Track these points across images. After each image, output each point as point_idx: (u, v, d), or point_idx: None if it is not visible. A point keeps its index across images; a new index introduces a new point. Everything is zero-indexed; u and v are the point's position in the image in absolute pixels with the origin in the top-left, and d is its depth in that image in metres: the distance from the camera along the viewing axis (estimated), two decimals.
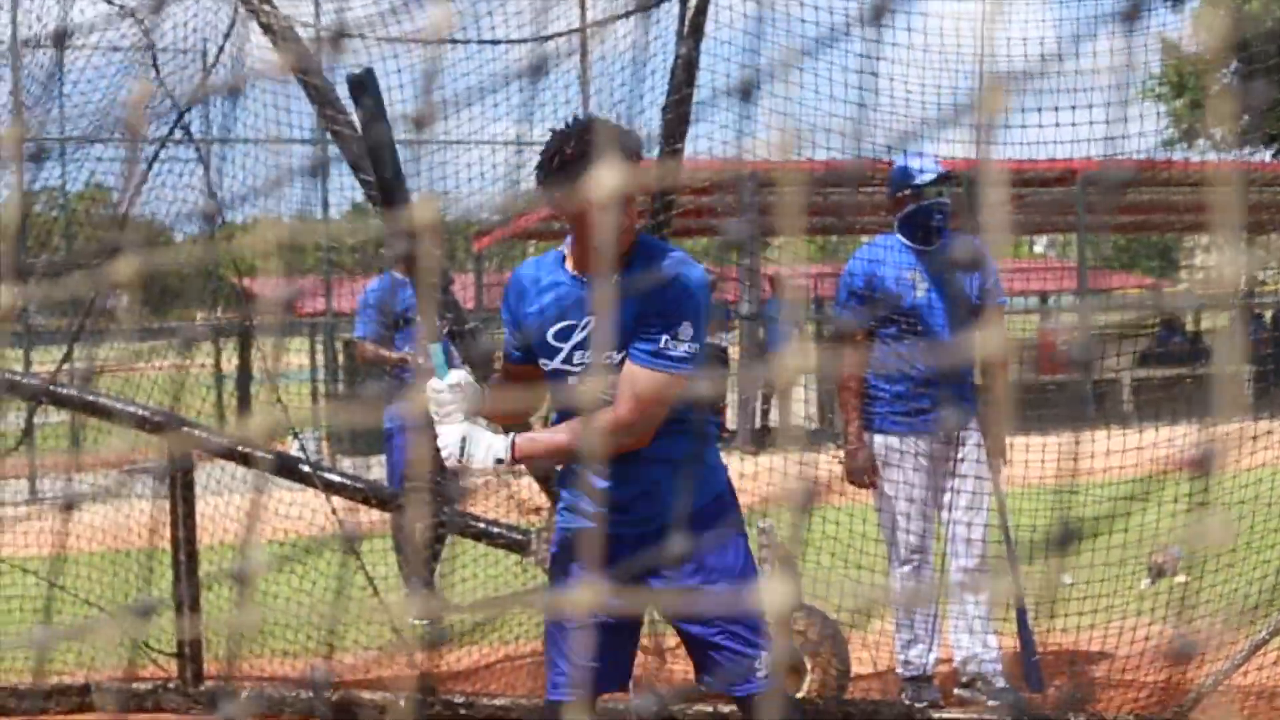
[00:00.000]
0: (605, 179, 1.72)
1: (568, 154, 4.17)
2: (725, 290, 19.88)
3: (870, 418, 6.82)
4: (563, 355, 4.41)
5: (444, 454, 4.32)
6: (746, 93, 1.81)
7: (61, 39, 7.35)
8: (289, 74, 6.94)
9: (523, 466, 6.63)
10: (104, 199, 13.03)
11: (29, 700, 7.17)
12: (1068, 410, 17.28)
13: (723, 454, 4.85)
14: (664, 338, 4.19)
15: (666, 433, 4.32)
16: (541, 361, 4.45)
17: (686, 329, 4.20)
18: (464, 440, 4.27)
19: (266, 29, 6.95)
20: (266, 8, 6.98)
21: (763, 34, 7.08)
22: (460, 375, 4.32)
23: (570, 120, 4.33)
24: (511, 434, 4.32)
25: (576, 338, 4.38)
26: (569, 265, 4.41)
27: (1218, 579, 7.10)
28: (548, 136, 4.33)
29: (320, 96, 7.06)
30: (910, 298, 6.74)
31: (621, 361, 4.25)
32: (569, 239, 4.44)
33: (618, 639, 4.52)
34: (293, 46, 6.96)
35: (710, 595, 4.41)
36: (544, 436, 4.46)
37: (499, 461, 4.28)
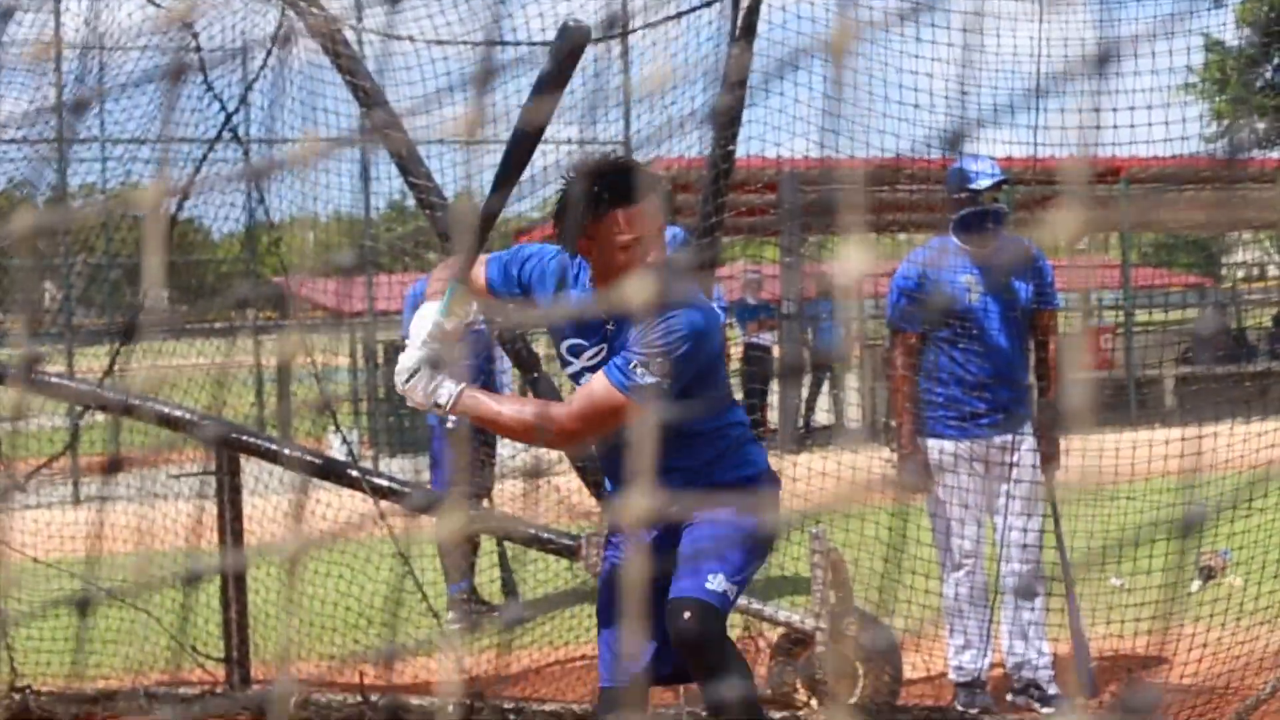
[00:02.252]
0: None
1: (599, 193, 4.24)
2: (765, 289, 19.82)
3: (923, 422, 6.75)
4: (574, 369, 4.51)
5: (395, 376, 4.33)
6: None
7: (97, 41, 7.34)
8: (337, 75, 6.90)
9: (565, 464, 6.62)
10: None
11: (74, 705, 7.15)
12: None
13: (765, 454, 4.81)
14: (635, 362, 4.21)
15: (682, 444, 4.31)
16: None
17: (661, 365, 4.21)
18: (415, 371, 4.27)
19: (314, 31, 6.91)
20: (314, 10, 6.94)
21: (815, 33, 7.02)
22: (455, 323, 4.33)
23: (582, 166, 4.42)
24: (463, 385, 4.31)
25: (588, 359, 4.45)
26: (594, 283, 4.44)
27: (1277, 584, 7.01)
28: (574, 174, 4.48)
29: (368, 99, 7.01)
30: (964, 300, 6.68)
31: None
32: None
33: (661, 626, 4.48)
34: (341, 48, 6.92)
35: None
36: (489, 402, 4.42)
37: (437, 405, 4.30)
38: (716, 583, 4.38)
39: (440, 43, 6.86)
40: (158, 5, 7.08)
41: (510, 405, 4.47)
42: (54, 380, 7.46)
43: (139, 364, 8.00)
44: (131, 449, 8.19)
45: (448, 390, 4.28)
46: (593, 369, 4.38)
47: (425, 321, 4.31)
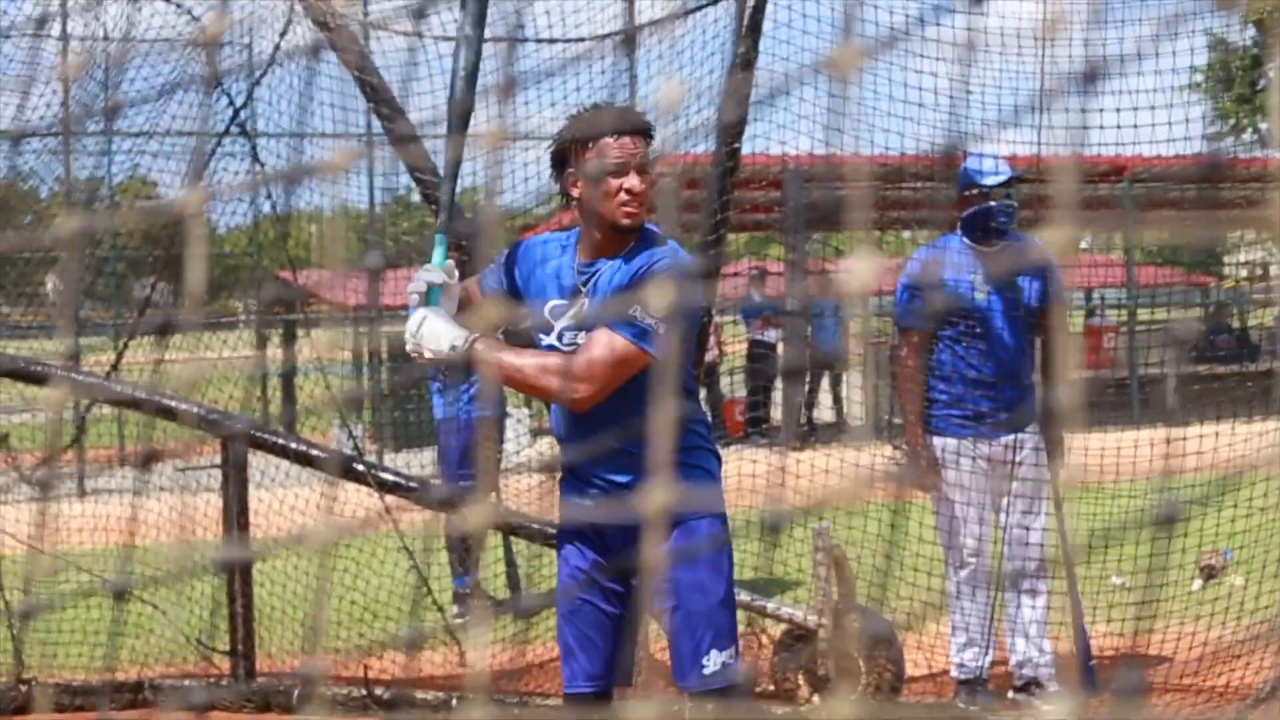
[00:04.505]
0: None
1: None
2: (770, 286, 19.85)
3: (929, 420, 6.77)
4: (554, 333, 4.46)
5: (405, 338, 4.30)
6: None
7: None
8: (345, 70, 6.92)
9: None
10: (146, 192, 13.02)
11: (83, 696, 7.18)
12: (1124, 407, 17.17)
13: (768, 450, 4.84)
14: (633, 307, 4.21)
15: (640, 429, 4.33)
16: (538, 337, 4.49)
17: (658, 305, 4.18)
18: (422, 322, 4.25)
19: (322, 25, 6.93)
20: (321, 4, 6.97)
21: (821, 33, 7.04)
22: (450, 268, 4.36)
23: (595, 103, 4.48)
24: (474, 334, 4.28)
25: (570, 317, 4.43)
26: (580, 254, 4.47)
27: (1277, 583, 7.04)
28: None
29: (375, 94, 7.04)
30: (971, 298, 6.69)
31: None
32: (578, 230, 4.52)
33: (620, 628, 4.50)
34: (348, 42, 6.95)
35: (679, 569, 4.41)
36: (503, 350, 4.36)
37: (452, 348, 4.22)
38: (721, 660, 4.43)
39: (447, 39, 6.87)
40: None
41: (529, 355, 4.37)
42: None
43: (145, 358, 8.03)
44: (152, 443, 8.21)
45: (459, 335, 4.24)
46: (574, 329, 4.40)
47: (420, 279, 4.31)
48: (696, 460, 4.47)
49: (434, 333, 4.24)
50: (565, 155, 4.40)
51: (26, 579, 7.51)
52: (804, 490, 7.82)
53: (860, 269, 1.54)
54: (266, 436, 7.20)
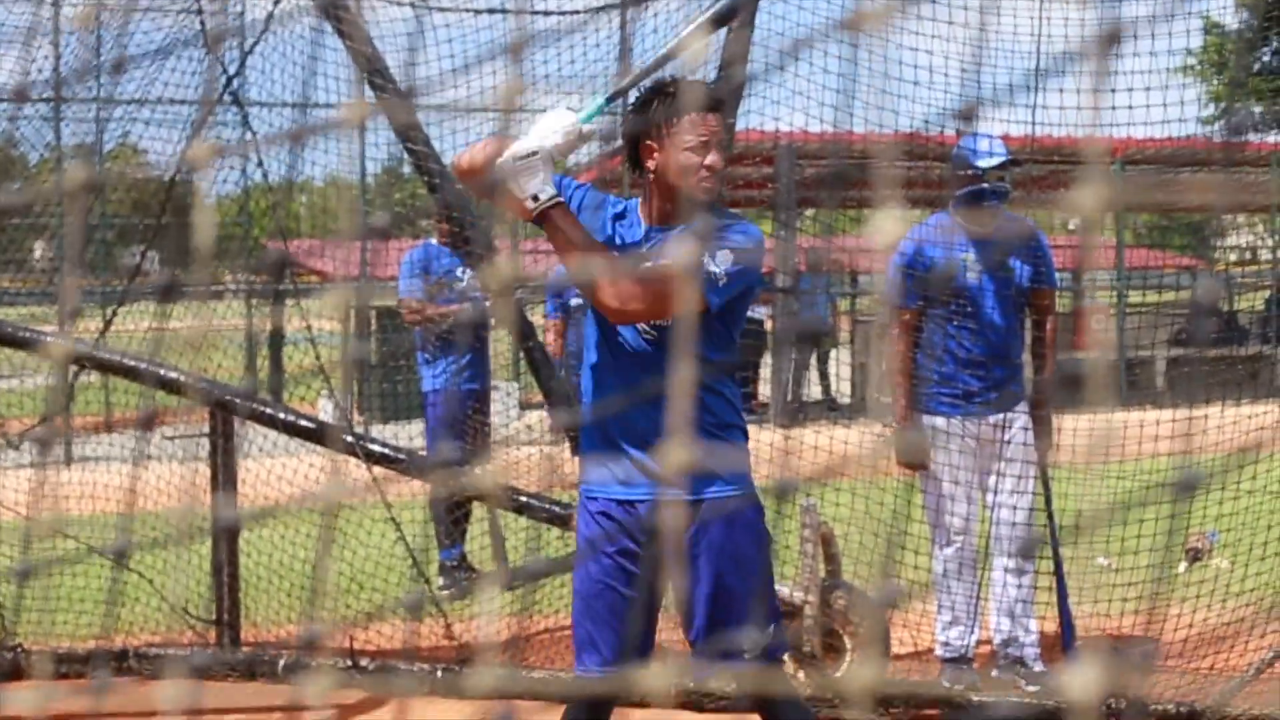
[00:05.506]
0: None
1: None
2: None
3: (917, 398, 6.78)
4: None
5: (504, 154, 4.16)
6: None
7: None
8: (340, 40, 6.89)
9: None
10: (137, 159, 13.01)
11: (68, 664, 7.18)
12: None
13: (755, 428, 4.83)
14: (705, 255, 4.25)
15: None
16: None
17: (726, 258, 4.27)
18: (533, 154, 4.13)
19: None
20: None
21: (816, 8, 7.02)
22: (586, 136, 4.26)
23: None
24: (559, 198, 4.21)
25: None
26: (646, 219, 4.47)
27: (1263, 565, 7.06)
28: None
29: (368, 63, 7.01)
30: (962, 278, 6.69)
31: None
32: (632, 201, 4.54)
33: (641, 613, 4.48)
34: (341, 11, 6.92)
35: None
36: (579, 229, 4.26)
37: (534, 199, 4.13)
38: (762, 640, 4.44)
39: (442, 10, 6.86)
40: None
41: (598, 246, 4.32)
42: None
43: (136, 326, 8.01)
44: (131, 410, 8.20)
45: (549, 191, 4.17)
46: None
47: (562, 119, 4.19)
48: (732, 437, 4.49)
49: (530, 167, 4.15)
50: (642, 127, 4.39)
51: (23, 542, 7.50)
52: (795, 468, 7.82)
53: (888, 228, 1.54)
54: (266, 409, 7.19)
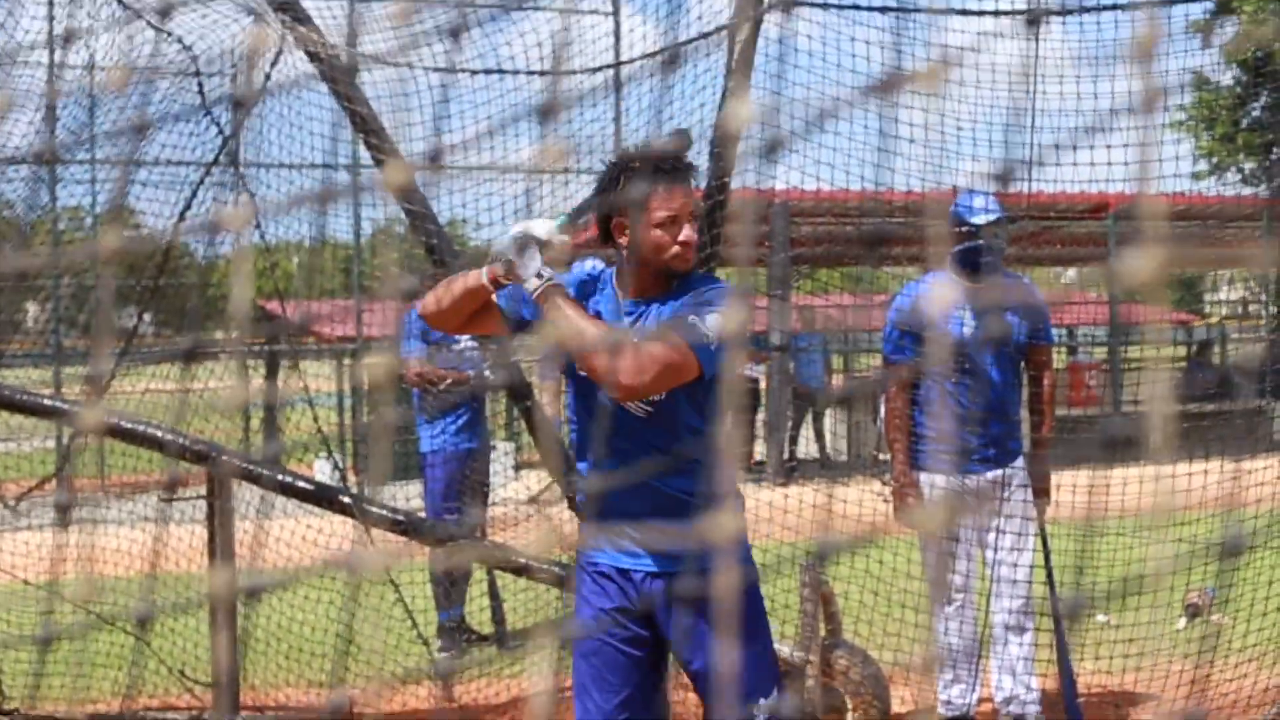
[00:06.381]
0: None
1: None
2: (755, 321, 19.85)
3: (915, 455, 6.77)
4: None
5: (497, 240, 4.21)
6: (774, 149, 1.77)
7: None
8: (338, 102, 6.91)
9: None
10: (129, 220, 12.99)
11: None
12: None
13: (751, 485, 4.80)
14: (697, 324, 4.15)
15: (685, 468, 4.29)
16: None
17: (715, 323, 4.15)
18: (523, 242, 4.14)
19: (313, 56, 6.93)
20: (314, 36, 6.96)
21: (812, 68, 7.05)
22: (560, 246, 4.21)
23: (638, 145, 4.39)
24: (556, 278, 4.19)
25: None
26: (623, 292, 4.40)
27: (1264, 621, 7.04)
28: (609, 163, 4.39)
29: (364, 124, 7.03)
30: (959, 335, 6.70)
31: None
32: (615, 267, 4.45)
33: (642, 672, 4.45)
34: (338, 73, 6.94)
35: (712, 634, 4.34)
36: (577, 308, 4.23)
37: (538, 275, 4.11)
38: (767, 707, 4.40)
39: (441, 70, 6.89)
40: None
41: (589, 324, 4.23)
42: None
43: (133, 388, 7.99)
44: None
45: (544, 272, 4.14)
46: None
47: (541, 222, 4.19)
48: (731, 506, 4.42)
49: (531, 253, 4.13)
50: (608, 208, 4.35)
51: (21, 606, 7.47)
52: (792, 526, 7.81)
53: (941, 295, 1.55)
54: (271, 474, 7.16)
